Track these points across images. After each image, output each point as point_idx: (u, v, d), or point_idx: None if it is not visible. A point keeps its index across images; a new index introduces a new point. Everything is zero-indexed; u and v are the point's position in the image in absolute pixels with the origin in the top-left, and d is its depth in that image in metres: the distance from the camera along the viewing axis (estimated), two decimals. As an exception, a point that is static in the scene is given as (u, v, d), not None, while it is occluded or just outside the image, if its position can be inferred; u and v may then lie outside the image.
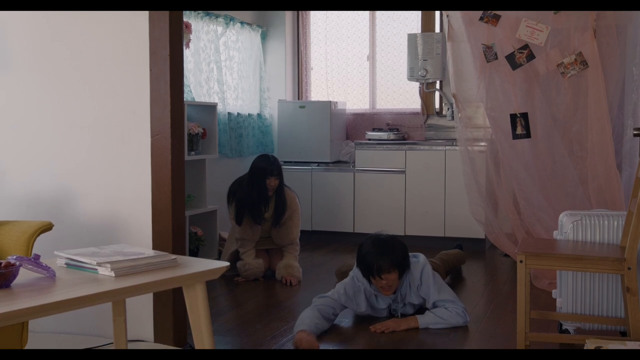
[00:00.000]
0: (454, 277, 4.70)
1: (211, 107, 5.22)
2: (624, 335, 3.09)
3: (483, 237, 5.53)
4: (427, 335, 3.45)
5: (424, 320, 3.51)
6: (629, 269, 2.67)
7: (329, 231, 6.09)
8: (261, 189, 4.61)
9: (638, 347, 2.42)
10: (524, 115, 4.65)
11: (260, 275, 4.64)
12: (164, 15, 3.11)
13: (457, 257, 4.79)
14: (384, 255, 3.54)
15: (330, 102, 6.24)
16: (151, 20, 3.14)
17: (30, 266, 2.16)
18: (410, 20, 6.47)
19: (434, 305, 3.62)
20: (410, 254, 3.71)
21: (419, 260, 3.71)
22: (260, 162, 4.68)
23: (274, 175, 4.64)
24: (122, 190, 3.28)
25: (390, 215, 5.88)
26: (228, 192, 4.75)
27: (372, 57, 6.68)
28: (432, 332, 3.50)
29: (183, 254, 3.24)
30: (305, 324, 3.36)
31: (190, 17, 5.33)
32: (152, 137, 3.18)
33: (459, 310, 3.56)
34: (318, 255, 5.51)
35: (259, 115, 6.43)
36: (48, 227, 2.70)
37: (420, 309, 3.71)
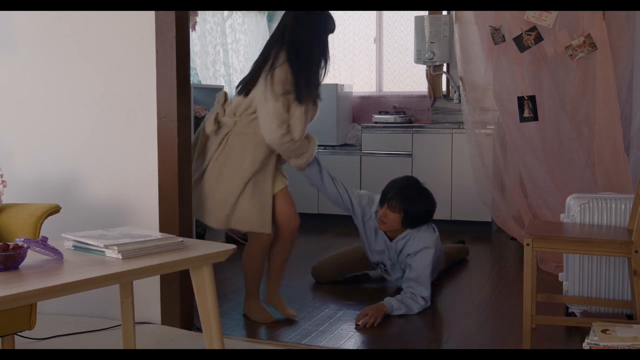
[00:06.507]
0: (459, 262, 4.69)
1: (217, 90, 5.18)
2: (630, 318, 3.09)
3: (490, 220, 5.53)
4: (432, 324, 3.46)
5: (390, 306, 3.43)
6: (636, 252, 2.66)
7: (335, 214, 6.08)
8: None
9: (644, 330, 2.42)
10: (532, 98, 4.63)
11: None
12: (170, -2, 3.10)
13: (458, 250, 4.70)
14: (404, 195, 3.67)
15: (336, 84, 6.21)
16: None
17: (38, 248, 2.17)
18: (418, 2, 6.43)
19: (408, 289, 3.59)
20: (433, 232, 3.76)
21: (430, 242, 3.69)
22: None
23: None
24: (129, 173, 3.28)
25: (396, 198, 5.86)
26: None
27: (378, 40, 6.65)
28: (438, 319, 3.51)
29: (190, 236, 3.25)
30: None
31: None
32: (158, 119, 3.18)
33: (423, 298, 3.53)
34: (324, 238, 5.52)
35: (265, 98, 6.41)
36: (55, 210, 2.71)
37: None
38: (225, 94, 3.39)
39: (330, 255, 4.20)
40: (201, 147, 3.34)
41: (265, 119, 3.17)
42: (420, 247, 3.66)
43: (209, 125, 3.31)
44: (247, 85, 3.28)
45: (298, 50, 3.19)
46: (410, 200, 3.68)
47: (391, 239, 3.79)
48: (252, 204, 3.23)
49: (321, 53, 3.28)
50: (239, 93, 3.31)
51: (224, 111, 3.31)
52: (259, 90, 3.19)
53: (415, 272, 3.62)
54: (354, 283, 4.10)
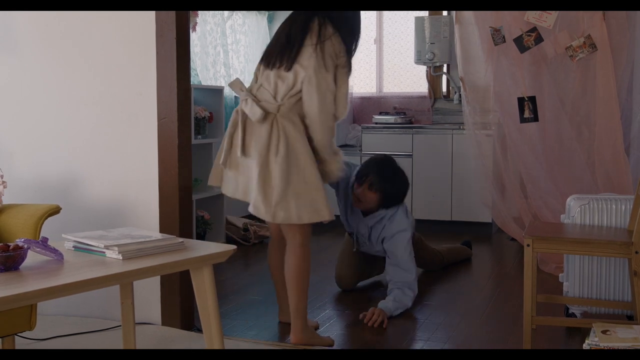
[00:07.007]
0: (459, 262, 4.68)
1: (218, 91, 5.21)
2: (630, 319, 3.09)
3: (490, 221, 5.52)
4: (432, 324, 3.46)
5: (388, 309, 3.42)
6: (636, 252, 2.66)
7: (335, 214, 6.07)
8: None
9: (645, 331, 2.42)
10: (532, 99, 4.63)
11: None
12: (170, -2, 3.10)
13: (456, 252, 4.67)
14: (383, 176, 3.66)
15: (337, 85, 6.20)
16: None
17: (39, 249, 2.17)
18: (418, 3, 6.43)
19: (392, 282, 3.61)
20: (406, 216, 3.77)
21: (404, 225, 3.71)
22: None
23: None
24: (130, 174, 3.28)
25: (396, 199, 5.86)
26: None
27: (379, 40, 6.65)
28: (437, 319, 3.51)
29: (190, 237, 3.25)
30: None
31: (196, 0, 5.31)
32: (158, 120, 3.18)
33: (410, 289, 3.58)
34: (324, 238, 5.52)
35: (265, 99, 6.41)
36: (56, 210, 2.71)
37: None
38: (239, 80, 3.09)
39: (337, 262, 4.17)
40: (241, 141, 2.97)
41: (314, 95, 2.88)
42: (396, 231, 3.69)
43: (254, 113, 2.90)
44: (289, 58, 2.93)
45: (347, 21, 3.02)
46: (390, 181, 3.70)
47: (365, 214, 3.83)
48: (324, 192, 3.01)
49: (359, 25, 3.11)
50: (274, 66, 2.97)
51: (254, 96, 2.97)
52: (309, 64, 2.89)
53: (395, 257, 3.65)
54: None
